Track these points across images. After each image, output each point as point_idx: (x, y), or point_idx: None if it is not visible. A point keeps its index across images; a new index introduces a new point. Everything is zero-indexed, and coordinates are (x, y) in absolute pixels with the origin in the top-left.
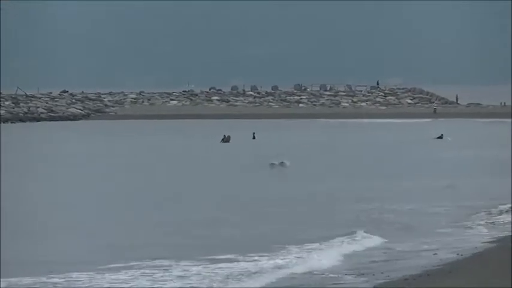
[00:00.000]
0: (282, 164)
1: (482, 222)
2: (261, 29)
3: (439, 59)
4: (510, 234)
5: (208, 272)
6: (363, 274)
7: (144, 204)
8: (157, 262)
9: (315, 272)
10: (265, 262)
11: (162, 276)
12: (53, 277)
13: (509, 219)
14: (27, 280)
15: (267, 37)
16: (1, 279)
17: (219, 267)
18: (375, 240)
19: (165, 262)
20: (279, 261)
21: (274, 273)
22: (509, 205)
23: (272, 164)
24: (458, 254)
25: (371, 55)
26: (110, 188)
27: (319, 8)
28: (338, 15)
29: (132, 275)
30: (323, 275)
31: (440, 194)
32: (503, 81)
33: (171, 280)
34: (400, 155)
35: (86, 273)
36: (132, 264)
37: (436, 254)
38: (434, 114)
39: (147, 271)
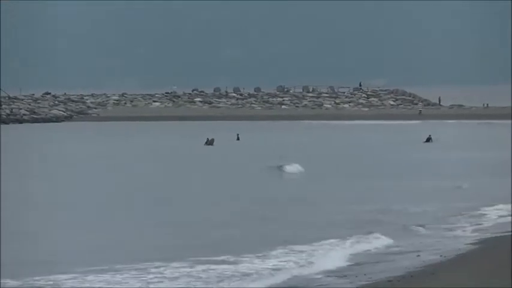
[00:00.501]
0: (292, 167)
1: (467, 224)
2: (243, 31)
3: (421, 60)
4: (493, 236)
5: (200, 274)
6: (346, 276)
7: (137, 206)
8: (148, 264)
9: (298, 274)
10: (251, 264)
11: (154, 278)
12: (38, 279)
13: (495, 221)
14: (10, 282)
15: (250, 39)
16: None
17: (211, 269)
18: (361, 242)
19: (156, 263)
20: (267, 264)
21: (260, 275)
22: (496, 206)
23: (280, 167)
24: (441, 256)
25: (354, 56)
26: (100, 189)
27: (302, 9)
28: (321, 16)
29: (124, 277)
30: (306, 277)
31: (430, 195)
32: (484, 82)
33: (162, 282)
34: (396, 156)
35: (72, 274)
36: (123, 266)
37: (419, 255)
38: (420, 115)
39: (136, 272)
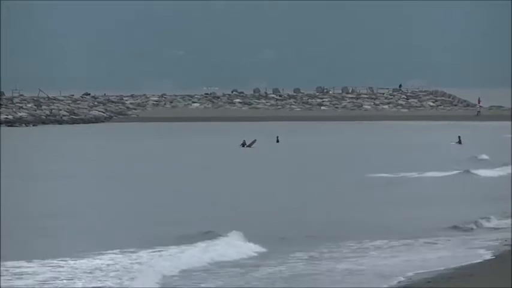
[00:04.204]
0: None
1: (505, 226)
2: (282, 31)
3: (460, 61)
4: None
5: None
6: (385, 276)
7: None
8: None
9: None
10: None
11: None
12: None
13: None
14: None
15: (289, 39)
16: None
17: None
18: (401, 242)
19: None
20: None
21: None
22: None
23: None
24: (480, 257)
25: (392, 57)
26: (172, 187)
27: (342, 9)
28: (359, 17)
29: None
30: (344, 275)
31: (473, 197)
32: None
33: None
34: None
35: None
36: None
37: (458, 256)
38: (477, 116)
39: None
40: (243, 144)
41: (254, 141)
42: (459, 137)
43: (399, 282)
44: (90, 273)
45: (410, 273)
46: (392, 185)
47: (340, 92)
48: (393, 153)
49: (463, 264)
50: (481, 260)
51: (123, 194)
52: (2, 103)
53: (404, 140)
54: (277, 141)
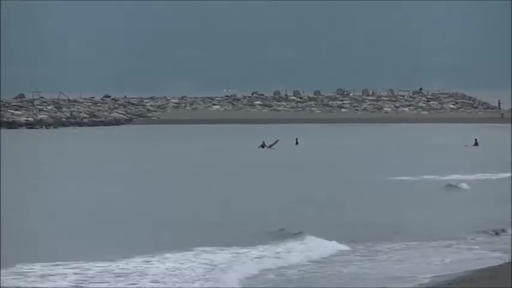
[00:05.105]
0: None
1: None
2: (303, 32)
3: (479, 63)
4: None
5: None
6: (405, 278)
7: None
8: None
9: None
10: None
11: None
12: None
13: None
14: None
15: (309, 42)
16: None
17: None
18: (422, 245)
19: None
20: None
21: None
22: None
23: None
24: (500, 259)
25: (412, 59)
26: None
27: (361, 11)
28: (380, 18)
29: None
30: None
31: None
32: None
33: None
34: None
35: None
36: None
37: (479, 259)
38: (502, 119)
39: None
40: (263, 146)
41: (276, 142)
42: (476, 139)
43: (420, 284)
44: (169, 270)
45: (431, 275)
46: (447, 187)
47: (361, 94)
48: (445, 155)
49: (483, 266)
50: (502, 262)
51: (156, 194)
52: (22, 105)
53: (441, 141)
54: (297, 143)
